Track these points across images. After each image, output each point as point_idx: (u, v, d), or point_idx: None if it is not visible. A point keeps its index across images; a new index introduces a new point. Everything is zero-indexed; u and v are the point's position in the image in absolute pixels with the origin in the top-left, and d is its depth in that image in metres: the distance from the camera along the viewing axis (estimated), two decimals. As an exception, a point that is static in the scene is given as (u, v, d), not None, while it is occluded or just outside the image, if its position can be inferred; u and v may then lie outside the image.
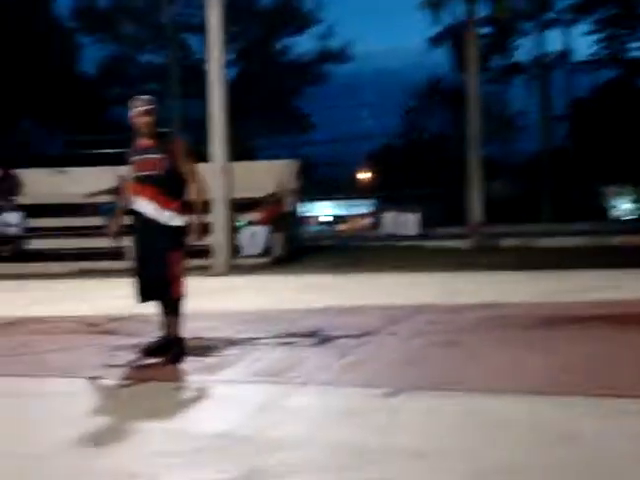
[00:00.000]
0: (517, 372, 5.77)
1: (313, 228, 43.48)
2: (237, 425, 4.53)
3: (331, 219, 48.38)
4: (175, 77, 35.95)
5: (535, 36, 43.22)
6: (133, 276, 6.69)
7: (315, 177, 43.57)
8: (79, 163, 22.60)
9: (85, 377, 5.99)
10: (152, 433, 4.45)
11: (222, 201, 16.76)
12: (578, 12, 43.12)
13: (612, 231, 24.83)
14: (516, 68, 45.14)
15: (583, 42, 69.46)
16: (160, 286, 6.48)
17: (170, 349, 6.53)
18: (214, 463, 3.91)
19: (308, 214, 41.43)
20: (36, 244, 19.58)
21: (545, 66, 43.07)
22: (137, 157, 6.63)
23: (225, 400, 5.29)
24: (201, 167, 6.99)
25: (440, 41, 41.75)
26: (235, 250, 17.91)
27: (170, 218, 6.50)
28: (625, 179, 42.66)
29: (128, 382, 5.82)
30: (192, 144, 6.88)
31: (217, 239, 16.70)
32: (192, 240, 6.52)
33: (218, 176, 16.78)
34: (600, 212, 41.83)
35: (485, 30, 36.94)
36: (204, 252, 17.15)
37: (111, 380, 5.90)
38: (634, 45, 43.63)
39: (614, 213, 45.10)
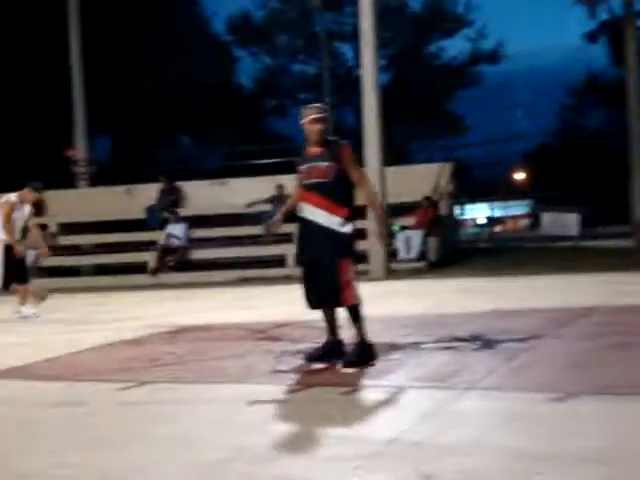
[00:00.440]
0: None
1: (469, 231, 42.96)
2: (406, 430, 4.50)
3: (487, 221, 47.67)
4: (327, 86, 36.25)
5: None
6: (301, 283, 6.71)
7: (470, 179, 43.06)
8: (238, 174, 23.17)
9: (254, 383, 6.10)
10: (324, 438, 4.48)
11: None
12: None
13: None
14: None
15: None
16: (332, 294, 6.48)
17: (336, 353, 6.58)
18: (388, 469, 3.89)
19: (464, 217, 40.96)
20: (199, 254, 20.18)
21: None
22: (306, 165, 6.65)
23: (391, 405, 5.28)
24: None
25: (596, 37, 40.59)
26: (391, 255, 17.91)
27: (340, 225, 6.48)
28: None
29: (297, 388, 5.89)
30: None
31: (373, 244, 16.71)
32: (381, 243, 6.73)
33: (373, 181, 16.78)
34: None
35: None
36: (361, 257, 17.24)
37: (280, 386, 5.98)
38: None
39: None
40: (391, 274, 16.80)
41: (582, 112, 52.28)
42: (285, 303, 12.72)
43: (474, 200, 45.44)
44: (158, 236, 20.25)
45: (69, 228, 21.75)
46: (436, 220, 19.10)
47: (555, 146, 54.01)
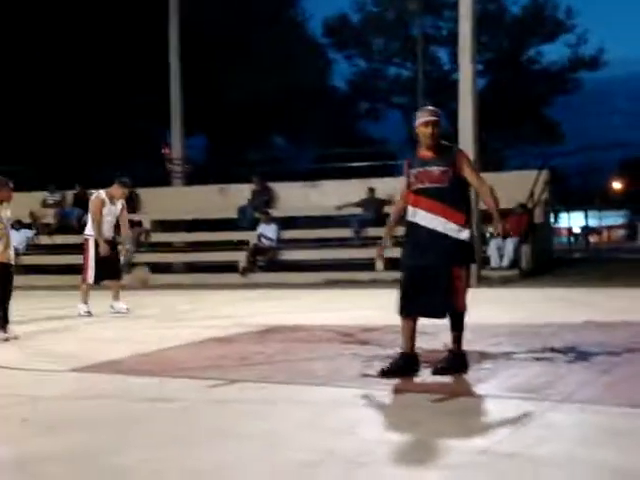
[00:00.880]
0: None
1: (563, 240, 42.21)
2: (497, 441, 4.42)
3: (582, 231, 46.76)
4: (421, 89, 36.09)
5: None
6: (401, 287, 6.54)
7: (566, 187, 42.32)
8: (330, 176, 23.21)
9: (343, 387, 6.08)
10: (413, 445, 4.43)
11: (473, 212, 16.58)
12: None
13: None
14: None
15: None
16: (442, 301, 6.34)
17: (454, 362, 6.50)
18: (476, 479, 3.83)
19: (558, 225, 40.25)
20: (289, 255, 20.27)
21: None
22: (418, 168, 6.50)
23: (483, 415, 5.20)
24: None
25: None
26: (483, 262, 17.69)
27: (457, 232, 6.36)
28: None
29: (386, 393, 5.84)
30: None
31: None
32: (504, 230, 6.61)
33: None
34: None
35: None
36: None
37: (369, 391, 5.93)
38: None
39: None
40: (482, 281, 16.57)
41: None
42: (373, 307, 12.66)
43: (569, 209, 44.67)
44: (249, 236, 20.42)
45: (162, 225, 22.09)
46: (530, 228, 18.80)
47: (655, 156, 52.72)
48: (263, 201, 21.27)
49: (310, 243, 21.02)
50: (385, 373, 6.38)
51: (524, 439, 4.48)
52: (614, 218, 50.88)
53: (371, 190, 20.26)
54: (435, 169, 6.41)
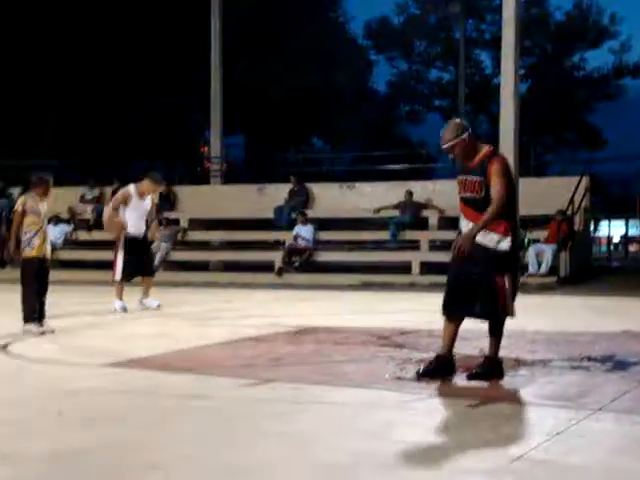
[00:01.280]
0: None
1: (603, 248, 41.78)
2: (532, 448, 4.37)
3: (622, 239, 46.22)
4: (462, 93, 35.95)
5: None
6: (448, 288, 6.50)
7: (607, 195, 41.86)
8: (367, 178, 23.18)
9: (377, 389, 6.05)
10: (447, 450, 4.39)
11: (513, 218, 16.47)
12: None
13: None
14: None
15: None
16: (488, 307, 6.32)
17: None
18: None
19: (598, 233, 39.84)
20: (324, 256, 20.25)
21: None
22: (460, 176, 6.48)
23: (518, 421, 5.15)
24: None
25: None
26: (521, 268, 17.54)
27: (496, 242, 6.27)
28: None
29: (420, 397, 5.80)
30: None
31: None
32: (461, 241, 6.30)
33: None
34: None
35: None
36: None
37: (403, 394, 5.90)
38: None
39: None
40: (520, 288, 16.41)
41: None
42: (409, 310, 12.62)
43: (609, 217, 44.17)
44: (286, 236, 20.43)
45: (200, 224, 22.17)
46: (569, 235, 18.62)
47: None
48: (300, 201, 21.26)
49: (346, 245, 21.00)
50: (421, 375, 6.37)
51: (559, 447, 4.43)
52: (656, 227, 50.20)
53: (409, 193, 20.19)
54: (471, 179, 6.37)
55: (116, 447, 4.54)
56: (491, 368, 6.42)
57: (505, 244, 6.30)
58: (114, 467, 4.14)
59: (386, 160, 25.71)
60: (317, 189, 22.06)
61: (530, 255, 18.18)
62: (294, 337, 9.12)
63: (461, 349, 7.22)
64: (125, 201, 12.26)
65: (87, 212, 22.58)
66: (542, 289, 16.68)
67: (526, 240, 18.36)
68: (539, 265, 18.17)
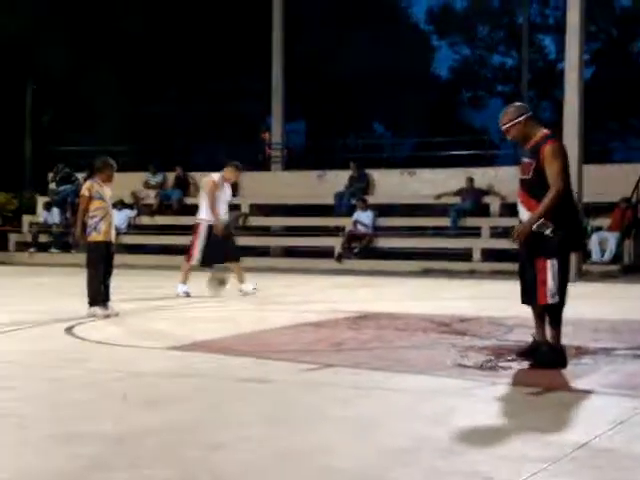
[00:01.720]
0: None
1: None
2: (595, 437, 4.33)
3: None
4: (526, 79, 35.49)
5: None
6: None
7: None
8: (428, 164, 23.05)
9: (438, 376, 6.04)
10: (509, 437, 4.37)
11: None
12: None
13: None
14: None
15: None
16: (530, 291, 6.34)
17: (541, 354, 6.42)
18: (575, 474, 3.77)
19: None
20: (384, 242, 20.23)
21: None
22: (522, 159, 6.54)
23: (581, 410, 5.10)
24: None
25: None
26: (585, 256, 17.34)
27: (539, 225, 6.23)
28: None
29: (482, 384, 5.78)
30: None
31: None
32: (520, 228, 6.28)
33: (571, 179, 16.30)
34: None
35: None
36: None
37: (465, 381, 5.89)
38: None
39: None
40: (582, 276, 16.26)
41: None
42: (470, 297, 12.58)
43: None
44: (345, 222, 20.44)
45: (260, 209, 22.29)
46: (633, 223, 18.32)
47: None
48: (360, 188, 21.24)
49: (406, 231, 20.93)
50: (519, 354, 6.54)
51: (622, 436, 4.40)
52: None
53: (470, 180, 20.03)
54: (526, 161, 6.42)
55: (179, 428, 4.61)
56: (551, 356, 6.35)
57: (547, 228, 6.24)
58: (177, 448, 4.21)
59: (447, 146, 25.56)
60: (377, 175, 22.01)
61: (593, 243, 17.94)
62: (354, 323, 9.14)
63: (525, 336, 7.17)
64: (214, 190, 12.35)
65: (150, 197, 22.86)
66: (605, 277, 16.48)
67: (589, 227, 18.13)
68: (602, 253, 17.93)
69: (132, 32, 29.27)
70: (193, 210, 22.94)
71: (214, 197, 12.32)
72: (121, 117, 31.84)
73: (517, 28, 39.97)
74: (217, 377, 6.07)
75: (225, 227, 12.46)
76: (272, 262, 20.10)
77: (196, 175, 23.46)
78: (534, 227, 6.25)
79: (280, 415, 4.95)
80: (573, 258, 16.33)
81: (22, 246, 23.02)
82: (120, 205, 20.93)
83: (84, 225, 9.70)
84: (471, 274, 17.42)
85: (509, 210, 18.53)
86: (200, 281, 12.48)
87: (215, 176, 12.52)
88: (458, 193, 20.20)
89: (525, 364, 6.41)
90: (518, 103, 6.80)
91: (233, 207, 21.17)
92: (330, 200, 21.29)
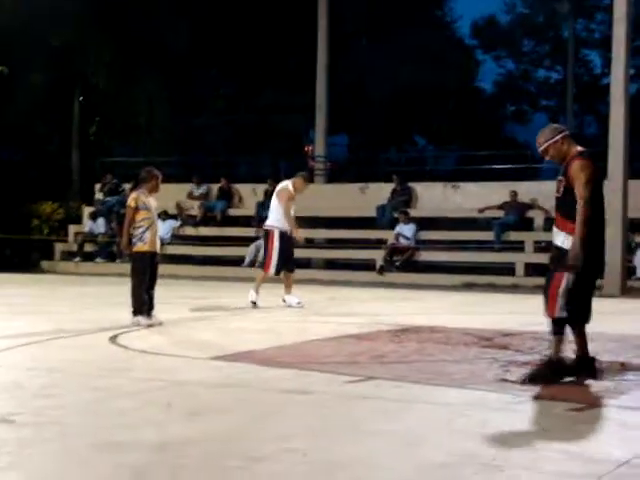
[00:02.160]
0: None
1: None
2: (638, 454, 4.29)
3: None
4: (570, 93, 35.28)
5: None
6: None
7: None
8: (471, 178, 22.96)
9: (480, 390, 6.02)
10: (550, 453, 4.34)
11: (619, 220, 16.13)
12: None
13: None
14: None
15: None
16: (545, 303, 6.40)
17: (583, 369, 6.45)
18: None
19: None
20: (426, 256, 20.18)
21: None
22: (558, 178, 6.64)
23: (622, 427, 5.04)
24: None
25: None
26: (629, 272, 17.17)
27: (562, 241, 6.36)
28: None
29: (523, 399, 5.75)
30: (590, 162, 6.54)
31: (611, 259, 16.06)
32: (571, 261, 6.20)
33: (615, 194, 16.20)
34: None
35: None
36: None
37: (506, 395, 5.86)
38: None
39: None
40: (627, 292, 16.09)
41: None
42: (512, 312, 12.50)
43: None
44: (387, 235, 20.43)
45: (303, 221, 22.33)
46: (679, 239, 18.10)
47: None
48: (402, 201, 21.22)
49: (449, 245, 20.86)
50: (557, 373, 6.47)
51: (668, 454, 4.34)
52: None
53: (514, 193, 19.93)
54: (559, 178, 6.54)
55: (221, 439, 4.64)
56: (546, 370, 6.36)
57: (569, 243, 6.27)
58: (218, 458, 4.24)
59: (491, 160, 25.43)
60: (420, 188, 21.97)
61: (638, 259, 17.76)
62: (396, 336, 9.13)
63: (568, 352, 7.12)
64: (288, 199, 12.41)
65: (194, 208, 23.03)
66: (650, 293, 16.30)
67: (633, 244, 17.94)
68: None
69: (178, 44, 29.51)
70: (237, 221, 23.33)
71: (289, 205, 12.37)
72: (166, 129, 32.09)
73: (562, 42, 39.76)
74: (259, 388, 6.10)
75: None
76: (314, 274, 20.13)
77: (240, 187, 23.65)
78: (560, 243, 6.35)
79: (321, 427, 4.96)
80: (617, 274, 16.21)
81: (68, 255, 23.33)
82: (164, 215, 21.11)
83: (130, 235, 9.81)
84: (514, 289, 17.31)
85: (553, 224, 18.39)
86: (241, 292, 12.54)
87: (290, 185, 12.56)
88: (502, 207, 20.10)
89: (567, 380, 6.36)
90: (554, 124, 6.94)
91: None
92: (372, 213, 21.30)
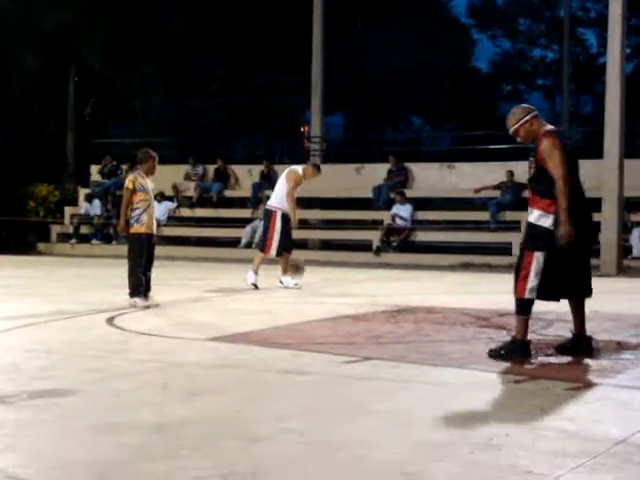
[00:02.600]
0: None
1: None
2: (635, 433, 4.31)
3: None
4: (566, 72, 35.16)
5: None
6: None
7: None
8: (467, 158, 22.95)
9: (477, 370, 6.04)
10: (547, 432, 4.36)
11: (615, 199, 16.15)
12: None
13: None
14: None
15: None
16: (514, 282, 6.43)
17: (580, 349, 6.51)
18: (613, 470, 3.75)
19: None
20: (423, 236, 20.19)
21: None
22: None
23: (619, 405, 5.06)
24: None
25: None
26: (625, 251, 17.20)
27: (536, 218, 6.35)
28: None
29: (520, 379, 5.77)
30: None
31: (607, 239, 16.11)
32: (564, 239, 6.15)
33: (612, 173, 16.21)
34: None
35: None
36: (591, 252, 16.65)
37: (503, 375, 5.89)
38: None
39: None
40: (623, 271, 16.13)
41: None
42: (509, 292, 12.44)
43: None
44: (384, 216, 20.42)
45: (299, 202, 22.25)
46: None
47: None
48: (398, 181, 21.21)
49: (445, 225, 20.86)
50: (558, 350, 6.60)
51: (663, 433, 4.36)
52: None
53: (510, 173, 19.91)
54: (530, 159, 6.67)
55: (218, 419, 4.66)
56: (510, 348, 6.39)
57: (547, 221, 6.27)
58: (215, 439, 4.25)
59: (487, 140, 25.40)
60: (416, 169, 21.94)
61: (634, 238, 17.78)
62: (392, 316, 9.14)
63: (564, 331, 7.15)
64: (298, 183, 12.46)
65: (190, 189, 22.99)
66: (646, 272, 16.34)
67: (629, 223, 17.96)
68: (643, 248, 17.77)
69: (174, 26, 29.38)
70: (233, 203, 23.29)
71: (296, 190, 12.39)
72: (162, 110, 32.01)
73: (558, 21, 39.63)
74: (256, 369, 6.11)
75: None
76: (310, 255, 20.11)
77: (236, 168, 23.60)
78: (532, 219, 6.36)
79: (318, 407, 4.98)
80: (614, 253, 16.24)
81: (64, 237, 23.32)
82: (160, 197, 21.08)
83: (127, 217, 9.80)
84: (510, 268, 17.14)
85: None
86: (237, 273, 12.55)
87: (299, 170, 12.56)
88: (498, 187, 20.10)
89: (564, 359, 6.38)
90: (522, 105, 6.83)
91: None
92: (368, 193, 21.28)
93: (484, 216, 20.00)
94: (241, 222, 21.34)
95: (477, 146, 25.76)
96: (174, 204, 22.63)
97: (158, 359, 6.45)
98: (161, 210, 20.72)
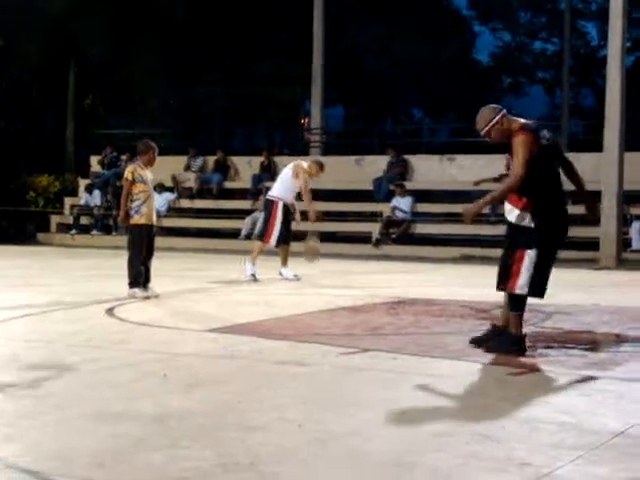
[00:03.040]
0: None
1: None
2: (633, 425, 4.32)
3: None
4: (567, 65, 35.13)
5: None
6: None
7: None
8: (467, 150, 22.92)
9: (475, 362, 6.05)
10: (546, 424, 4.37)
11: (614, 192, 16.16)
12: None
13: None
14: None
15: None
16: (503, 279, 6.33)
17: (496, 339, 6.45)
18: (611, 462, 3.76)
19: None
20: (422, 228, 20.19)
21: None
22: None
23: (618, 398, 5.07)
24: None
25: None
26: (624, 244, 17.21)
27: (517, 217, 6.29)
28: None
29: (519, 370, 5.78)
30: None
31: (606, 232, 16.13)
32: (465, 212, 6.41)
33: (611, 166, 16.21)
34: None
35: None
36: (591, 245, 16.69)
37: (502, 367, 5.90)
38: None
39: None
40: (622, 264, 16.14)
41: None
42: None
43: None
44: (383, 208, 20.42)
45: (299, 195, 22.29)
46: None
47: None
48: (398, 173, 21.19)
49: (445, 217, 20.86)
50: (473, 342, 6.59)
51: (661, 425, 4.38)
52: None
53: (509, 166, 19.88)
54: (507, 156, 6.54)
55: (217, 410, 4.67)
56: (504, 342, 6.34)
57: (526, 220, 6.25)
58: (215, 429, 4.27)
59: (487, 132, 25.35)
60: (416, 161, 21.92)
61: (633, 231, 17.79)
62: (392, 308, 9.16)
63: (563, 324, 7.17)
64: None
65: (190, 181, 22.98)
66: (645, 265, 16.36)
67: (629, 216, 17.97)
68: (643, 241, 17.78)
69: (175, 15, 29.32)
70: (233, 194, 23.28)
71: (307, 181, 12.41)
72: (162, 100, 31.99)
73: (559, 14, 39.55)
74: (255, 360, 6.13)
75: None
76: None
77: (236, 159, 23.59)
78: (513, 219, 6.31)
79: (317, 398, 4.99)
80: (613, 246, 16.26)
81: (63, 228, 23.33)
82: (160, 188, 21.07)
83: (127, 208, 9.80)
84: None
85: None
86: (236, 264, 12.55)
87: (305, 165, 12.58)
88: (498, 179, 20.06)
89: (561, 351, 6.39)
90: (490, 105, 6.64)
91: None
92: (368, 186, 21.26)
93: (484, 208, 19.96)
94: (241, 213, 21.34)
95: (477, 138, 25.69)
96: (174, 195, 22.62)
97: (158, 350, 6.46)
98: (161, 201, 20.71)
